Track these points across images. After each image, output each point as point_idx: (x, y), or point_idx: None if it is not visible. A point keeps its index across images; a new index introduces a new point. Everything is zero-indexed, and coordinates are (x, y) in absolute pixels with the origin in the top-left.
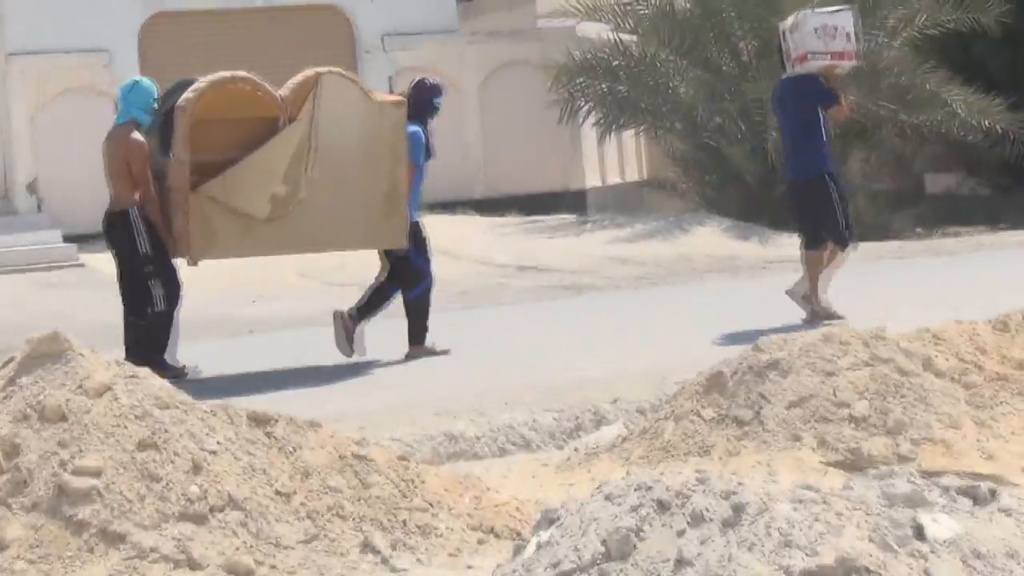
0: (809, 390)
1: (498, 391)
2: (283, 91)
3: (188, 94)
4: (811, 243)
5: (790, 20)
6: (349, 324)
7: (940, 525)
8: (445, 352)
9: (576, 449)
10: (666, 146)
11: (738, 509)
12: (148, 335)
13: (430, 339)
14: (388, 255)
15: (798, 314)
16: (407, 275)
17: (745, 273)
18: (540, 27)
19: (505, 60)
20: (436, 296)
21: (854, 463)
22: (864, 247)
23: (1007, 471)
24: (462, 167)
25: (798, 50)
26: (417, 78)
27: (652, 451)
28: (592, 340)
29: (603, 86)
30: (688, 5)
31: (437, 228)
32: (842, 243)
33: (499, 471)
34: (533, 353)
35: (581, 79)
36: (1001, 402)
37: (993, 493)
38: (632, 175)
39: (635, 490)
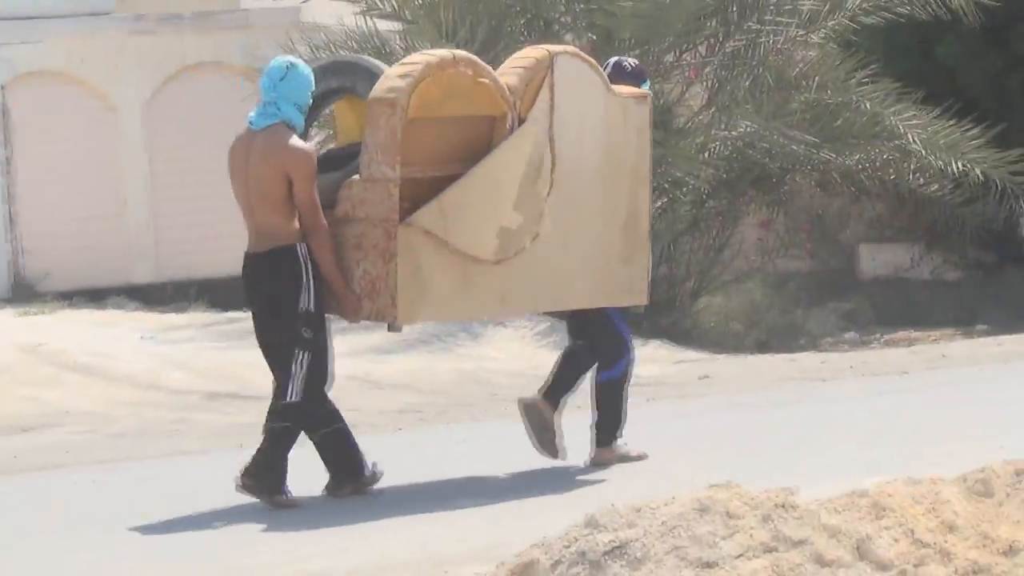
0: None
1: None
2: (509, 78)
3: (395, 81)
4: None
5: None
6: (546, 409)
7: None
8: (641, 457)
9: None
10: None
11: None
12: (274, 433)
13: (622, 440)
14: (578, 313)
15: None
16: (605, 345)
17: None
18: (246, 9)
19: (188, 61)
20: (81, 441)
21: None
22: (763, 362)
23: None
24: (115, 234)
25: None
26: (613, 59)
27: None
28: (336, 506)
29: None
30: None
31: (73, 331)
32: None
33: None
34: (210, 527)
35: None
36: None
37: None
38: None
39: None
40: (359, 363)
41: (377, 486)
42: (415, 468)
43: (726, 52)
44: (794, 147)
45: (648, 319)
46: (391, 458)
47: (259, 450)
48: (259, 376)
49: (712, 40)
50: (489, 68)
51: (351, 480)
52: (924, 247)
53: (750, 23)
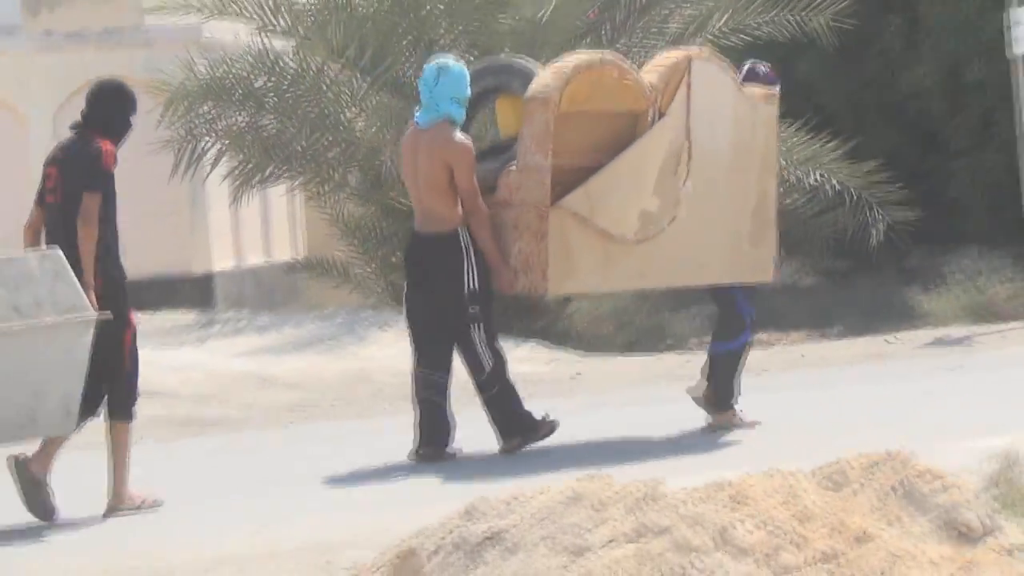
0: None
1: None
2: (650, 77)
3: (548, 79)
4: None
5: None
6: (711, 395)
7: None
8: (754, 424)
9: None
10: (334, 210)
11: None
12: (491, 399)
13: (739, 407)
14: (715, 292)
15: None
16: (727, 319)
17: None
18: (148, 27)
19: (93, 74)
20: None
21: None
22: (631, 363)
23: None
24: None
25: None
26: (748, 63)
27: None
28: (222, 500)
29: (241, 117)
30: None
31: None
32: None
33: None
34: (128, 521)
35: (208, 106)
36: None
37: None
38: (283, 253)
39: None
40: (252, 362)
41: (271, 481)
42: (303, 461)
43: None
44: None
45: (523, 321)
46: (281, 452)
47: (494, 418)
48: (160, 374)
49: None
50: (633, 68)
51: (518, 432)
52: (783, 254)
53: (620, 43)
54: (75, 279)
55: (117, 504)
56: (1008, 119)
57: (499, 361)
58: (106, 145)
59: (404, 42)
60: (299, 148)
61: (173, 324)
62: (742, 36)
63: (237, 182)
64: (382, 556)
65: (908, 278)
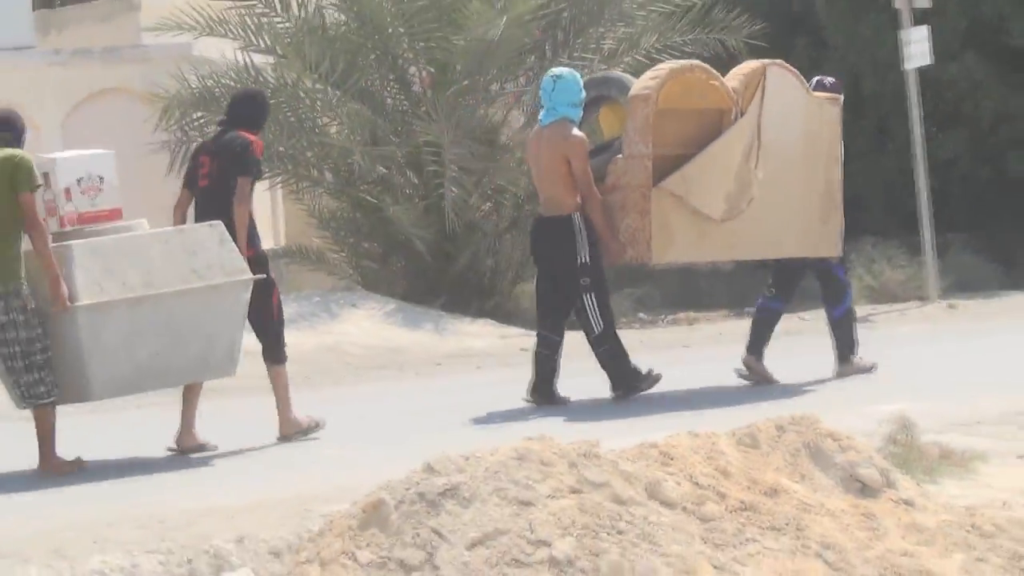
0: (498, 525)
1: (85, 526)
2: (732, 82)
3: (648, 82)
4: None
5: None
6: (759, 368)
7: None
8: (874, 368)
9: None
10: (311, 204)
11: None
12: (607, 358)
13: (858, 356)
14: (783, 267)
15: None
16: (831, 289)
17: (413, 371)
18: (146, 44)
19: (98, 87)
20: None
21: None
22: (571, 339)
23: None
24: None
25: None
26: (816, 77)
27: None
28: (209, 459)
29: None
30: (343, 19)
31: None
32: None
33: None
34: (129, 476)
35: (199, 114)
36: (747, 539)
37: None
38: (266, 241)
39: None
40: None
41: (258, 441)
42: None
43: (541, 82)
44: None
45: (478, 302)
46: (265, 418)
47: (606, 371)
48: None
49: (530, 72)
50: (718, 74)
51: (623, 384)
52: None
53: (562, 58)
54: (234, 246)
55: (287, 431)
56: (901, 126)
57: (608, 324)
58: (253, 137)
59: (371, 58)
60: (280, 150)
61: None
62: (670, 53)
63: None
64: (354, 506)
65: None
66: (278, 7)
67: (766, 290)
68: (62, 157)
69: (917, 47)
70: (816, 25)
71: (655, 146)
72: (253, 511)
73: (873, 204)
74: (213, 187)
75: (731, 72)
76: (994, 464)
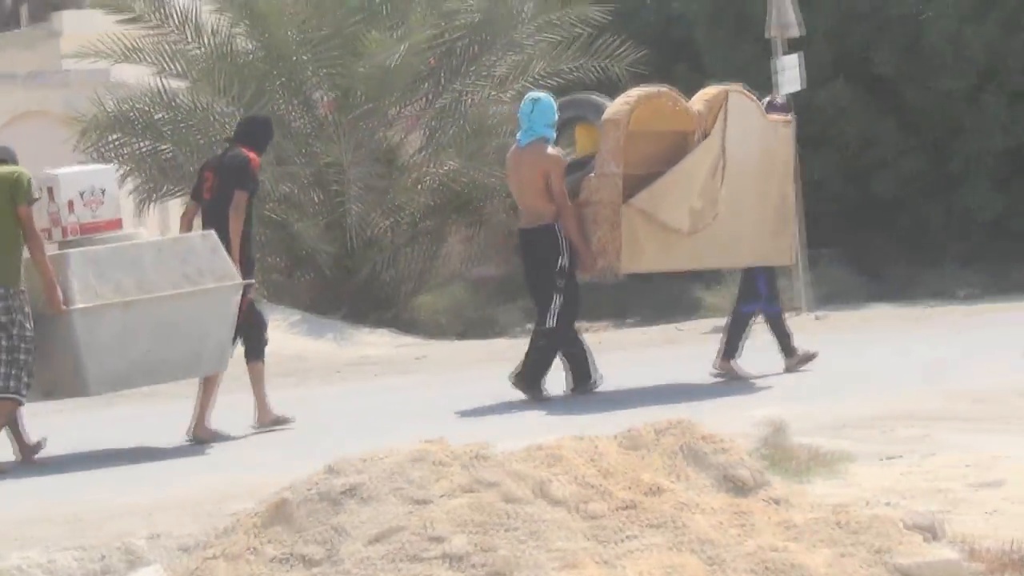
0: (395, 522)
1: (7, 523)
2: (697, 105)
3: (620, 107)
4: None
5: None
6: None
7: None
8: (749, 377)
9: None
10: None
11: None
12: (538, 349)
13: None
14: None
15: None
16: (746, 290)
17: (316, 378)
18: (65, 70)
19: (21, 110)
20: None
21: None
22: (465, 347)
23: None
24: None
25: None
26: (767, 97)
27: None
28: (125, 459)
29: (143, 144)
30: (251, 46)
31: None
32: None
33: None
34: (47, 476)
35: (116, 136)
36: (629, 536)
37: None
38: None
39: None
40: None
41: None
42: None
43: (437, 107)
44: (488, 180)
45: (377, 312)
46: (184, 421)
47: (526, 360)
48: None
49: (426, 97)
50: (683, 99)
51: (582, 383)
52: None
53: (455, 85)
54: (227, 254)
55: (263, 421)
56: None
57: (562, 327)
58: (252, 155)
59: (277, 83)
60: (191, 170)
61: None
62: (557, 79)
63: (140, 197)
64: (260, 505)
65: (693, 276)
66: (191, 35)
67: (742, 295)
68: (65, 172)
69: (789, 74)
70: (696, 52)
71: (625, 166)
72: (164, 509)
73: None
74: (215, 199)
75: (695, 97)
76: (860, 465)
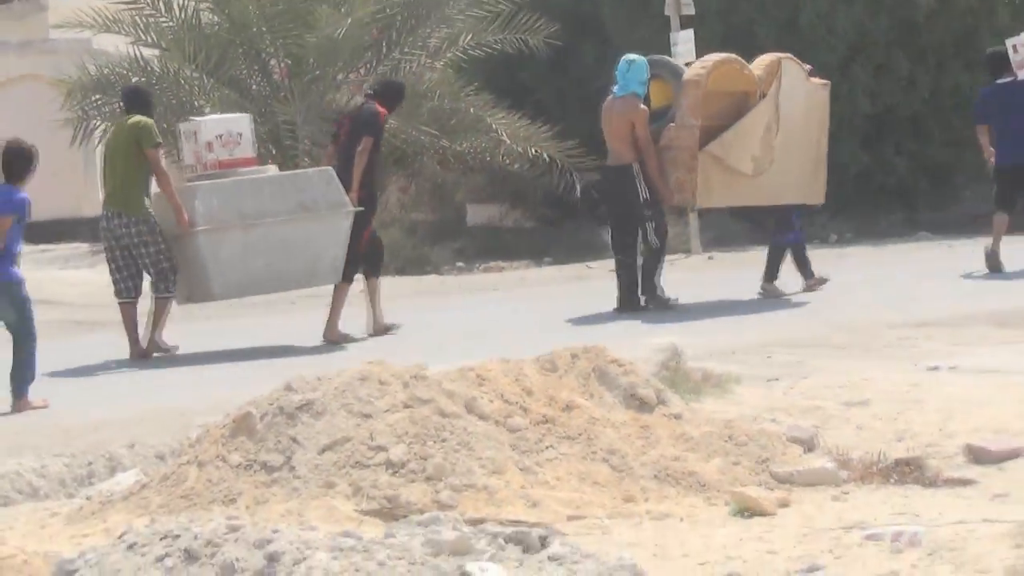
0: (344, 433)
1: (1, 434)
2: (757, 70)
3: (699, 70)
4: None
5: None
6: (772, 288)
7: (487, 573)
8: (825, 281)
9: (89, 498)
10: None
11: (273, 559)
12: (647, 270)
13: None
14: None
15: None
16: (783, 223)
17: (271, 309)
18: (52, 39)
19: (13, 75)
20: None
21: (391, 511)
22: (401, 282)
23: (552, 519)
24: None
25: None
26: (808, 65)
27: (173, 499)
28: (107, 380)
29: (120, 104)
30: (216, 19)
31: None
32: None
33: (3, 522)
34: (41, 394)
35: (96, 97)
36: (547, 447)
37: (544, 541)
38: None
39: (161, 539)
40: None
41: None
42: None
43: (378, 73)
44: (422, 138)
45: None
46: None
47: (638, 281)
48: (63, 288)
49: (369, 65)
50: (747, 64)
51: (655, 300)
52: (510, 205)
53: (395, 54)
54: (340, 185)
55: (377, 330)
56: None
57: (660, 247)
58: (381, 108)
59: (239, 52)
60: (163, 127)
61: (71, 253)
62: (483, 50)
63: None
64: (226, 418)
65: (600, 222)
66: (163, 8)
67: (780, 228)
68: (206, 120)
69: (684, 47)
70: (601, 27)
71: (702, 119)
72: (142, 422)
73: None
74: (348, 143)
75: (755, 62)
76: (745, 386)
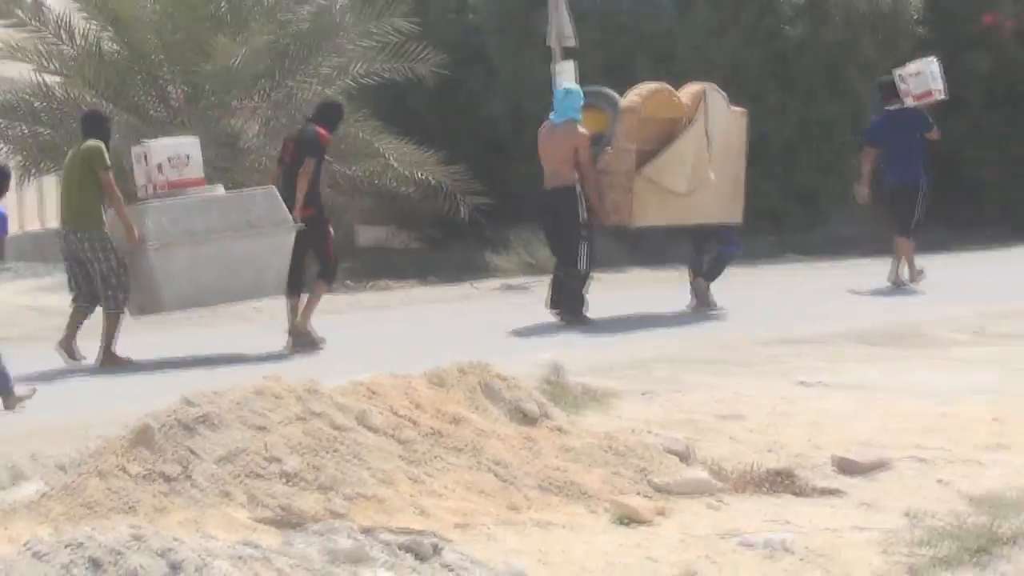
0: (240, 445)
1: None
2: (684, 98)
3: (635, 98)
4: (907, 231)
5: (913, 66)
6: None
7: None
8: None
9: None
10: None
11: (175, 567)
12: (572, 289)
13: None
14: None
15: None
16: (725, 236)
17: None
18: None
19: None
20: None
21: (286, 520)
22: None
23: (441, 527)
24: None
25: (921, 88)
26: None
27: (74, 508)
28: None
29: (25, 128)
30: (116, 47)
31: None
32: (907, 234)
33: None
34: None
35: (2, 121)
36: (435, 457)
37: (436, 549)
38: (53, 222)
39: (66, 547)
40: (31, 297)
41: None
42: (68, 368)
43: (272, 100)
44: None
45: None
46: (54, 359)
47: (562, 295)
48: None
49: (263, 92)
50: (676, 92)
51: (575, 317)
52: (397, 227)
53: (288, 82)
54: (283, 204)
55: (299, 329)
56: None
57: (587, 268)
58: (323, 131)
59: (138, 79)
60: (66, 150)
61: None
62: (373, 78)
63: (21, 173)
64: (125, 429)
65: (484, 244)
66: (65, 37)
67: (724, 240)
68: (155, 143)
69: (565, 76)
70: (486, 58)
71: (637, 143)
72: (43, 433)
73: (528, 196)
74: (292, 164)
75: (681, 91)
76: (623, 400)
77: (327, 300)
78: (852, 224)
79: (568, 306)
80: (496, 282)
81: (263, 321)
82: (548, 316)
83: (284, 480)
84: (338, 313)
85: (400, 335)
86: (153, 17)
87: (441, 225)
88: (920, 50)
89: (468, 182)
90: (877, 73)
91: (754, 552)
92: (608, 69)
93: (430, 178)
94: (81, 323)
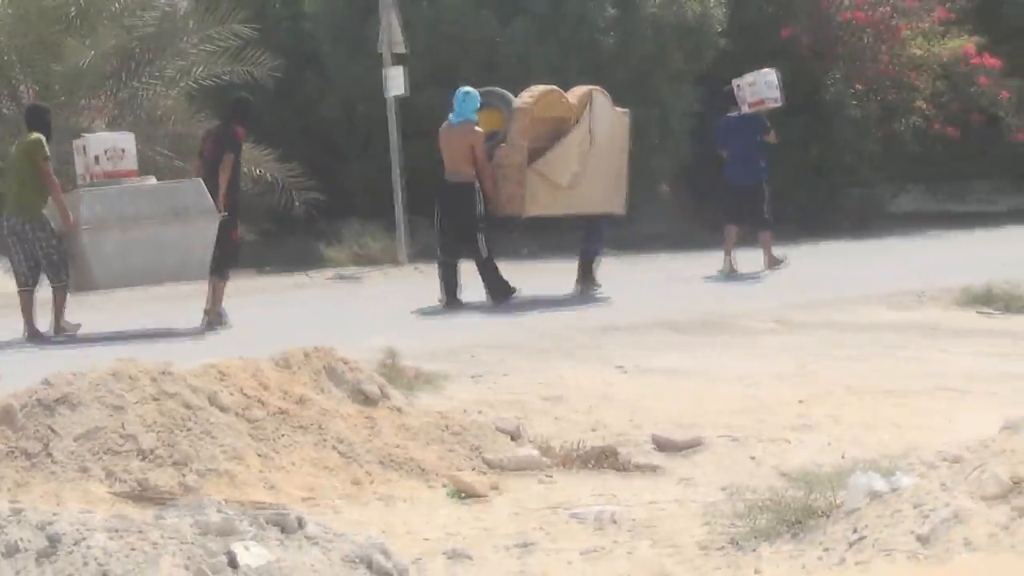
0: (97, 423)
1: None
2: (572, 99)
3: (527, 99)
4: (766, 224)
5: (749, 77)
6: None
7: (252, 553)
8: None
9: None
10: None
11: (54, 539)
12: (487, 273)
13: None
14: (588, 221)
15: None
16: (596, 234)
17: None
18: None
19: None
20: None
21: (142, 494)
22: (131, 292)
23: (289, 501)
24: None
25: (755, 97)
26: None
27: None
28: None
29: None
30: None
31: None
32: (766, 225)
33: None
34: None
35: None
36: (282, 435)
37: (300, 522)
38: None
39: None
40: None
41: None
42: None
43: (118, 99)
44: (158, 159)
45: None
46: None
47: (485, 281)
48: None
49: (110, 92)
50: (565, 94)
51: (500, 296)
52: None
53: (134, 83)
54: (208, 194)
55: (211, 317)
56: (383, 138)
57: (490, 252)
58: (238, 127)
59: None
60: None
61: None
62: (214, 80)
63: None
64: None
65: (317, 235)
66: None
67: (590, 237)
68: (93, 136)
69: (395, 81)
70: (321, 63)
71: (528, 140)
72: None
73: (359, 193)
74: (211, 159)
75: (569, 92)
76: (454, 382)
77: (162, 290)
78: (659, 222)
79: (491, 288)
80: (330, 272)
81: (185, 303)
82: (382, 304)
83: (140, 456)
84: (174, 301)
85: (242, 322)
86: (5, 20)
87: (276, 219)
88: (726, 61)
89: (303, 179)
90: (685, 82)
91: (584, 524)
92: (435, 76)
93: (267, 175)
94: (32, 306)
